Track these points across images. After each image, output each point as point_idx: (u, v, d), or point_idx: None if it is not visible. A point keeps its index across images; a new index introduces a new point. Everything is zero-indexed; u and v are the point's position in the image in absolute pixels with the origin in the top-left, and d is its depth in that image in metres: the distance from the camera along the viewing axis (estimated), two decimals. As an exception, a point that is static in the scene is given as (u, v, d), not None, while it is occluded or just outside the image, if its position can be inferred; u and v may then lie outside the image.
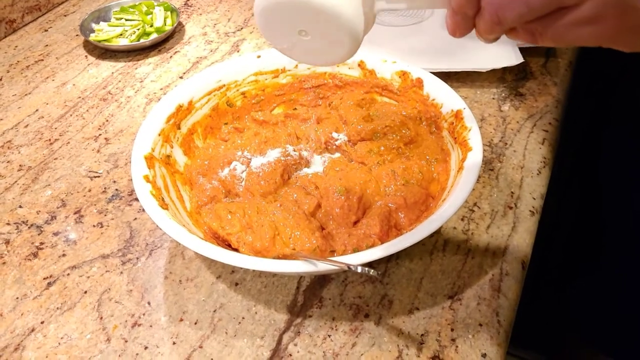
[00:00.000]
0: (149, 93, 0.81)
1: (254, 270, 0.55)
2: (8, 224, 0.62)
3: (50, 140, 0.74)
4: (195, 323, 0.51)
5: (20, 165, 0.70)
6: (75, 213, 0.63)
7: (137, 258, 0.57)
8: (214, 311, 0.52)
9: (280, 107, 0.69)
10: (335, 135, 0.62)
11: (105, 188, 0.66)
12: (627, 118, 0.77)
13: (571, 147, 0.88)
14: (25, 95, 0.82)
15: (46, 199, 0.65)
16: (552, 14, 0.30)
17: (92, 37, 0.90)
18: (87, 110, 0.79)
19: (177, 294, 0.54)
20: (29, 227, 0.61)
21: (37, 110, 0.79)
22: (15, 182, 0.68)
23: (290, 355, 0.48)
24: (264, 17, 0.40)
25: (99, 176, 0.68)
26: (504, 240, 0.56)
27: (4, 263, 0.58)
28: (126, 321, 0.52)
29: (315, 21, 0.38)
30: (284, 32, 0.40)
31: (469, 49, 0.79)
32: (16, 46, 0.94)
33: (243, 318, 0.51)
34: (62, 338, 0.51)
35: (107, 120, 0.77)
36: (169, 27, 0.92)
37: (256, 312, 0.52)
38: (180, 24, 0.98)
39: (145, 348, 0.49)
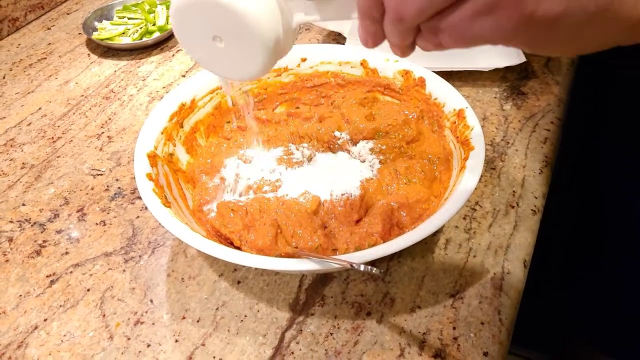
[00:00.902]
0: (151, 91, 0.81)
1: (256, 269, 0.55)
2: (11, 221, 0.62)
3: (53, 138, 0.74)
4: (198, 321, 0.51)
5: (23, 163, 0.70)
6: (78, 211, 0.63)
7: (140, 256, 0.57)
8: (217, 309, 0.52)
9: (283, 105, 0.69)
10: (337, 134, 0.62)
11: (108, 186, 0.66)
12: (628, 118, 0.77)
13: (573, 146, 0.88)
14: (28, 93, 0.82)
15: (49, 197, 0.65)
16: (451, 7, 0.29)
17: (95, 36, 0.90)
18: (90, 109, 0.79)
19: (179, 291, 0.54)
20: (32, 225, 0.62)
21: (40, 108, 0.79)
22: (18, 180, 0.68)
23: (292, 353, 0.48)
24: (178, 19, 0.39)
25: (101, 174, 0.68)
26: (505, 239, 0.57)
27: (7, 261, 0.58)
28: (129, 319, 0.52)
29: (227, 24, 0.37)
30: (198, 36, 0.39)
31: (472, 48, 0.79)
32: (19, 44, 0.94)
33: (245, 316, 0.51)
34: (65, 335, 0.51)
35: (109, 119, 0.77)
36: (171, 26, 0.92)
37: (258, 310, 0.52)
38: (182, 22, 0.98)
39: (148, 346, 0.49)
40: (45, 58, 0.90)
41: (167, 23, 0.93)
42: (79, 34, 0.96)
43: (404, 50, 0.34)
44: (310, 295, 0.53)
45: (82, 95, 0.82)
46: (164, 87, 0.82)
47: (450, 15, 0.29)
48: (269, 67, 0.40)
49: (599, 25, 0.28)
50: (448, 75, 0.72)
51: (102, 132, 0.74)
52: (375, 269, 0.42)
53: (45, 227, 0.61)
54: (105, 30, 0.91)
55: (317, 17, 0.38)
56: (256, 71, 0.40)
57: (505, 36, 0.29)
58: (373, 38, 0.34)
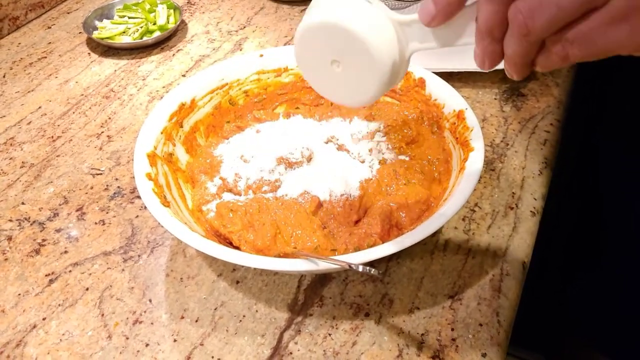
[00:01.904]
0: (151, 91, 0.81)
1: (255, 269, 0.55)
2: (10, 220, 0.62)
3: (52, 137, 0.74)
4: (196, 321, 0.51)
5: (22, 162, 0.70)
6: (77, 210, 0.63)
7: (139, 255, 0.57)
8: (215, 309, 0.52)
9: (283, 105, 0.69)
10: (337, 134, 0.62)
11: (107, 185, 0.66)
12: (627, 119, 0.77)
13: (572, 147, 0.88)
14: (28, 92, 0.83)
15: (48, 196, 0.65)
16: (582, 17, 0.28)
17: (95, 35, 0.90)
18: (90, 108, 0.79)
19: (178, 291, 0.54)
20: (31, 224, 0.62)
21: (39, 107, 0.79)
22: (18, 179, 0.68)
23: (291, 353, 0.48)
24: (302, 41, 0.40)
25: (101, 173, 0.68)
26: (504, 241, 0.57)
27: (6, 259, 0.58)
28: (127, 318, 0.52)
29: (348, 49, 0.38)
30: (318, 60, 0.40)
31: (472, 49, 0.79)
32: (19, 43, 0.94)
33: (244, 316, 0.51)
34: (63, 334, 0.51)
35: (109, 118, 0.77)
36: (171, 25, 0.92)
37: (257, 311, 0.52)
38: (183, 22, 0.98)
39: (147, 345, 0.50)
40: (45, 57, 0.90)
41: (168, 22, 0.93)
42: (80, 33, 0.96)
43: (523, 68, 0.33)
44: (309, 295, 0.53)
45: (82, 95, 0.82)
46: (164, 87, 0.82)
47: (581, 24, 0.28)
48: (381, 94, 0.40)
49: None
50: (448, 76, 0.72)
51: (102, 132, 0.74)
52: (373, 269, 0.42)
53: (44, 226, 0.61)
54: (106, 30, 0.91)
55: (433, 44, 0.38)
56: (369, 98, 0.41)
57: (637, 44, 0.28)
58: (491, 58, 0.33)
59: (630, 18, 0.27)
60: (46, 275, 0.56)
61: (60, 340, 0.50)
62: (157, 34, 0.91)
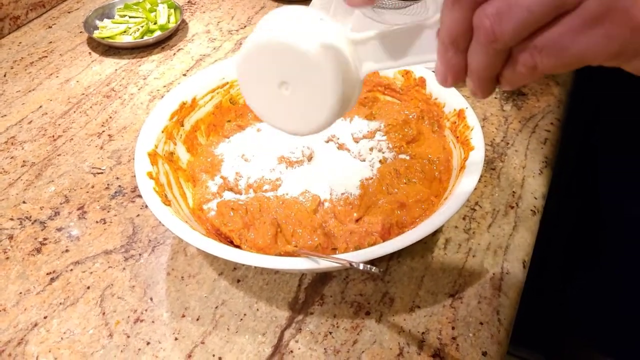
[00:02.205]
0: (152, 90, 0.81)
1: (256, 267, 0.55)
2: (12, 219, 0.62)
3: (53, 136, 0.74)
4: (197, 319, 0.51)
5: (24, 161, 0.70)
6: (78, 209, 0.63)
7: (140, 254, 0.58)
8: (216, 307, 0.52)
9: (283, 105, 0.69)
10: (337, 133, 0.62)
11: (108, 184, 0.66)
12: (627, 119, 0.77)
13: (573, 147, 0.88)
14: (29, 91, 0.83)
15: (49, 195, 0.65)
16: (552, 22, 0.26)
17: (96, 34, 0.90)
18: (91, 107, 0.79)
19: (179, 290, 0.54)
20: (32, 223, 0.62)
21: (40, 106, 0.80)
22: (19, 178, 0.68)
23: (292, 351, 0.48)
24: (250, 59, 0.37)
25: (102, 172, 0.68)
26: (505, 240, 0.57)
27: (7, 258, 0.58)
28: (128, 317, 0.52)
29: (298, 70, 0.35)
30: (266, 81, 0.37)
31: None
32: (20, 43, 0.94)
33: (245, 315, 0.51)
34: (64, 333, 0.51)
35: (110, 117, 0.77)
36: (172, 25, 0.92)
37: (258, 309, 0.52)
38: (183, 21, 0.98)
39: (148, 343, 0.50)
40: (46, 56, 0.90)
41: (168, 22, 0.93)
42: (80, 32, 0.96)
43: (487, 84, 0.30)
44: (309, 294, 0.53)
45: (83, 94, 0.82)
46: (164, 86, 0.82)
47: (551, 29, 0.26)
48: (333, 119, 0.37)
49: None
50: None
51: (103, 131, 0.75)
52: (374, 268, 0.42)
53: (45, 225, 0.62)
54: (107, 29, 0.91)
55: (390, 63, 0.35)
56: (320, 123, 0.38)
57: (612, 51, 0.25)
58: (454, 72, 0.31)
59: (604, 22, 0.25)
60: (47, 274, 0.56)
61: (62, 338, 0.50)
62: (157, 33, 0.91)
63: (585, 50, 0.26)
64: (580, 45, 0.26)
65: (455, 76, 0.31)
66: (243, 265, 0.55)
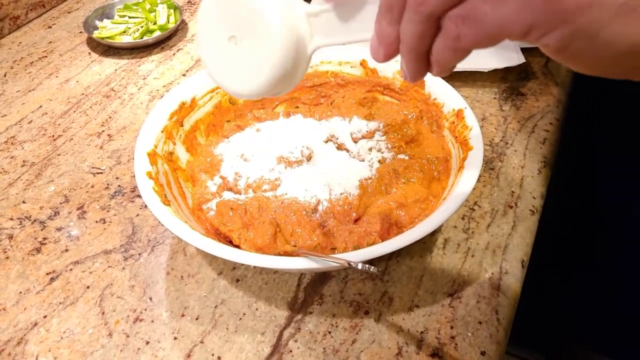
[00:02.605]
0: (151, 90, 0.82)
1: (255, 267, 0.55)
2: (11, 219, 0.62)
3: (53, 136, 0.74)
4: (197, 319, 0.51)
5: (23, 161, 0.70)
6: (78, 209, 0.63)
7: (139, 254, 0.58)
8: (215, 307, 0.52)
9: (283, 105, 0.69)
10: (336, 133, 0.62)
11: (108, 184, 0.66)
12: (626, 118, 0.77)
13: (572, 147, 0.89)
14: (29, 91, 0.83)
15: (49, 194, 0.65)
16: None
17: (96, 34, 0.90)
18: (91, 107, 0.79)
19: (178, 289, 0.54)
20: (32, 223, 0.62)
21: (40, 106, 0.80)
22: (19, 177, 0.68)
23: (291, 351, 0.48)
24: (210, 7, 0.38)
25: (101, 172, 0.68)
26: (504, 239, 0.57)
27: (7, 258, 0.58)
28: (128, 316, 0.52)
29: (249, 23, 0.36)
30: (218, 32, 0.38)
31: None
32: (20, 43, 0.94)
33: (244, 314, 0.51)
34: (64, 332, 0.51)
35: (110, 117, 0.77)
36: (172, 25, 0.92)
37: (257, 309, 0.52)
38: (183, 21, 0.98)
39: (147, 343, 0.50)
40: (46, 56, 0.90)
41: (168, 22, 0.93)
42: (80, 32, 0.96)
43: (417, 59, 0.31)
44: (308, 293, 0.53)
45: (83, 94, 0.82)
46: (164, 86, 0.82)
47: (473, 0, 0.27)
48: (271, 85, 0.37)
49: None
50: (448, 76, 0.72)
51: (103, 131, 0.75)
52: (373, 267, 0.42)
53: (45, 224, 0.62)
54: (106, 29, 0.91)
55: (339, 38, 0.36)
56: (258, 84, 0.38)
57: (526, 21, 0.26)
58: (387, 45, 0.31)
59: None
60: (47, 274, 0.56)
61: (61, 338, 0.51)
62: (157, 33, 0.91)
63: (503, 19, 0.26)
64: (497, 13, 0.26)
65: (387, 48, 0.31)
66: (242, 264, 0.55)
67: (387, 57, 0.32)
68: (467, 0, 0.27)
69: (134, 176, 0.53)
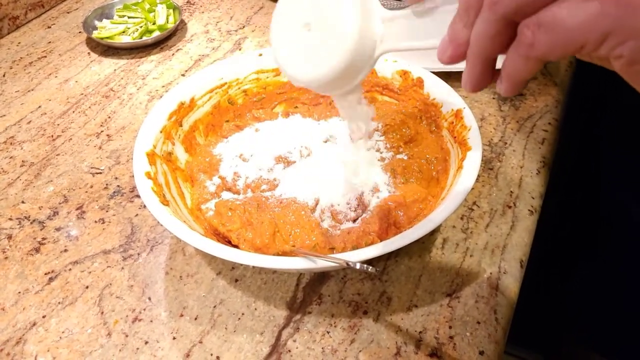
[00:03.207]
0: (151, 90, 0.82)
1: (253, 267, 0.55)
2: (10, 219, 0.63)
3: (52, 136, 0.74)
4: (196, 318, 0.51)
5: (22, 161, 0.70)
6: (77, 209, 0.63)
7: (138, 254, 0.58)
8: (214, 307, 0.52)
9: (282, 105, 0.70)
10: (335, 133, 0.62)
11: (107, 184, 0.66)
12: (625, 118, 0.77)
13: (570, 147, 0.89)
14: (28, 91, 0.83)
15: (48, 194, 0.65)
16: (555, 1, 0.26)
17: (95, 34, 0.90)
18: (90, 107, 0.79)
19: (177, 289, 0.54)
20: (31, 223, 0.62)
21: (39, 106, 0.80)
22: (18, 177, 0.68)
23: (289, 351, 0.48)
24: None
25: (100, 172, 0.68)
26: (502, 239, 0.57)
27: (6, 258, 0.58)
28: (127, 316, 0.52)
29: (325, 13, 0.37)
30: (295, 16, 0.39)
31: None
32: (19, 43, 0.94)
33: (243, 314, 0.52)
34: (63, 332, 0.51)
35: (109, 117, 0.77)
36: (171, 25, 0.92)
37: (256, 308, 0.52)
38: (182, 21, 0.98)
39: (146, 343, 0.50)
40: (45, 56, 0.90)
41: (167, 22, 0.93)
42: (79, 32, 0.96)
43: (482, 64, 0.30)
44: (307, 293, 0.53)
45: (82, 94, 0.82)
46: (163, 86, 0.82)
47: (551, 6, 0.26)
48: (334, 76, 0.37)
49: None
50: (446, 76, 0.72)
51: (102, 131, 0.75)
52: (371, 267, 0.42)
53: (44, 224, 0.62)
54: (106, 29, 0.91)
55: (407, 44, 0.36)
56: (320, 74, 0.38)
57: (604, 29, 0.25)
58: (456, 45, 0.31)
59: None
60: (46, 274, 0.56)
61: (60, 337, 0.51)
62: (156, 33, 0.91)
63: (580, 24, 0.25)
64: (575, 19, 0.25)
65: (455, 49, 0.31)
66: (241, 264, 0.55)
67: (453, 58, 0.32)
68: (544, 8, 0.26)
69: (133, 176, 0.53)
